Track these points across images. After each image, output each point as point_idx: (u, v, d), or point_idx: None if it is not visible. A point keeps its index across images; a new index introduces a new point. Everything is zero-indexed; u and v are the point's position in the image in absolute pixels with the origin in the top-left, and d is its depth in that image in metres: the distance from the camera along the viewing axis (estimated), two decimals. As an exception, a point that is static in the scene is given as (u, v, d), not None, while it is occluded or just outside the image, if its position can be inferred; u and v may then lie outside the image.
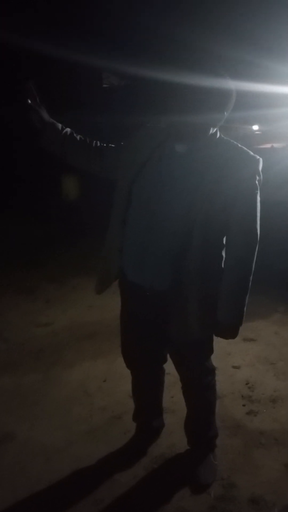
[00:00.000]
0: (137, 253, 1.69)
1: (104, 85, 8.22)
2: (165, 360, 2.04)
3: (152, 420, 2.21)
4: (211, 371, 1.97)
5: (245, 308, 1.69)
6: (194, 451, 2.08)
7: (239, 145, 1.61)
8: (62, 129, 1.81)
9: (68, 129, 1.82)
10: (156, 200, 1.61)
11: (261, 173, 1.58)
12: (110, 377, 2.74)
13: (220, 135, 1.63)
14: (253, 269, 1.65)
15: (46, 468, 2.06)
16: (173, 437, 2.22)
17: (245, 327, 1.82)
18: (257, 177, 1.58)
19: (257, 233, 1.62)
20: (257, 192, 1.59)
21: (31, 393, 2.60)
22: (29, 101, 1.73)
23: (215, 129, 1.61)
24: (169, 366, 2.02)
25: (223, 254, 1.68)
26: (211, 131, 1.59)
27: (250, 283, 1.67)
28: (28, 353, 3.04)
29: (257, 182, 1.58)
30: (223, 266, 1.68)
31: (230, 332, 1.74)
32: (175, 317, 1.72)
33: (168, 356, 2.00)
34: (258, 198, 1.59)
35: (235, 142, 1.63)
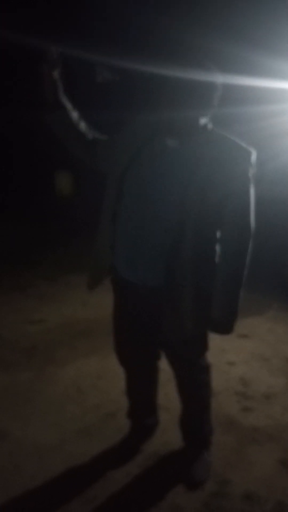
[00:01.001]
0: (129, 249, 1.68)
1: (98, 80, 8.18)
2: (158, 357, 2.03)
3: (146, 418, 2.20)
4: (206, 368, 1.96)
5: (239, 303, 1.68)
6: (188, 448, 2.08)
7: (232, 138, 1.60)
8: (74, 110, 1.77)
9: (77, 113, 1.79)
10: (148, 195, 1.60)
11: (254, 166, 1.57)
12: (103, 375, 2.73)
13: (213, 129, 1.62)
14: (247, 263, 1.64)
15: (39, 466, 2.05)
16: (167, 434, 2.21)
17: (239, 324, 1.81)
18: (251, 170, 1.57)
19: (251, 227, 1.61)
20: (250, 185, 1.58)
21: (24, 391, 2.58)
22: (49, 69, 1.67)
23: (205, 123, 1.59)
24: (163, 363, 2.01)
25: (217, 249, 1.66)
26: (201, 125, 1.57)
27: (244, 278, 1.66)
28: (21, 351, 3.02)
29: (250, 175, 1.57)
30: (216, 261, 1.67)
31: (225, 327, 1.72)
32: (169, 314, 1.70)
33: (162, 352, 1.99)
34: (252, 192, 1.59)
35: (228, 135, 1.61)
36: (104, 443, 2.17)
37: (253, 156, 1.57)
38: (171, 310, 1.69)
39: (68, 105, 1.76)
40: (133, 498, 1.91)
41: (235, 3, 4.31)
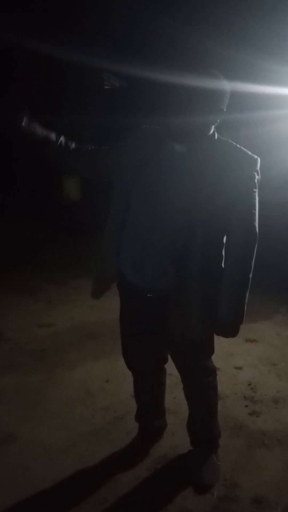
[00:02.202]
0: (138, 254, 1.70)
1: (106, 87, 8.23)
2: (166, 361, 2.05)
3: (155, 421, 2.22)
4: (212, 371, 1.97)
5: (245, 306, 1.70)
6: (197, 452, 2.08)
7: (238, 145, 1.64)
8: (57, 140, 1.75)
9: (63, 139, 1.77)
10: (157, 200, 1.63)
11: (259, 173, 1.61)
12: (112, 378, 2.74)
13: (218, 136, 1.66)
14: (252, 267, 1.67)
15: (49, 468, 2.06)
16: (175, 438, 2.22)
17: (247, 328, 1.83)
18: (256, 176, 1.61)
19: (256, 231, 1.64)
20: (256, 191, 1.61)
21: (33, 394, 2.60)
22: (16, 119, 1.64)
23: (212, 130, 1.63)
24: (171, 367, 2.03)
25: (223, 253, 1.69)
26: (208, 131, 1.61)
27: (250, 281, 1.68)
28: (31, 354, 3.05)
29: (256, 181, 1.61)
30: (223, 265, 1.70)
31: (231, 330, 1.74)
32: (176, 317, 1.72)
33: (169, 356, 2.00)
34: (257, 197, 1.62)
35: (233, 143, 1.65)
36: (112, 446, 2.18)
37: (258, 163, 1.61)
38: (178, 313, 1.71)
39: (50, 137, 1.74)
40: (142, 501, 1.91)
41: (239, 9, 4.33)
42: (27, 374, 2.79)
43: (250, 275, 1.67)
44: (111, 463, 2.09)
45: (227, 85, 1.57)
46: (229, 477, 2.01)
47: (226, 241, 1.68)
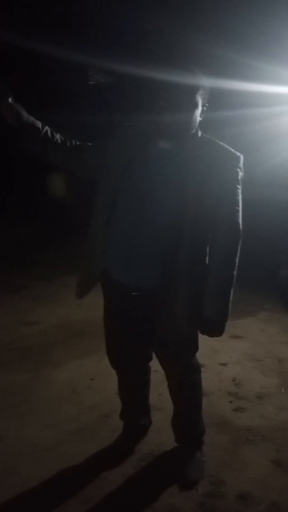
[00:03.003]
0: (125, 252, 1.70)
1: (90, 82, 8.18)
2: (150, 359, 2.05)
3: (140, 418, 2.22)
4: (197, 368, 1.99)
5: (230, 304, 1.71)
6: (182, 448, 2.09)
7: (221, 143, 1.67)
8: (43, 128, 1.75)
9: (48, 128, 1.77)
10: (145, 198, 1.63)
11: (243, 169, 1.65)
12: (98, 376, 2.74)
13: (201, 134, 1.68)
14: (237, 264, 1.68)
15: (35, 467, 2.06)
16: (161, 435, 2.23)
17: (232, 325, 1.84)
18: (240, 173, 1.64)
19: (240, 228, 1.66)
20: (239, 188, 1.64)
21: (19, 393, 2.59)
22: (2, 99, 1.64)
23: (196, 127, 1.64)
24: (156, 364, 2.03)
25: (207, 250, 1.71)
26: (192, 128, 1.63)
27: (235, 278, 1.69)
28: (16, 352, 3.03)
29: (239, 178, 1.64)
30: (207, 262, 1.71)
31: (217, 328, 1.75)
32: (163, 314, 1.73)
33: (153, 354, 2.01)
34: (240, 194, 1.65)
35: (217, 140, 1.68)
36: (99, 444, 2.19)
37: (242, 160, 1.64)
38: (165, 311, 1.71)
39: (36, 123, 1.74)
40: (128, 499, 1.92)
41: (228, 8, 4.35)
42: (13, 373, 2.78)
43: (235, 272, 1.69)
44: (97, 461, 2.10)
45: (208, 83, 1.60)
46: (214, 473, 2.03)
47: (211, 238, 1.69)
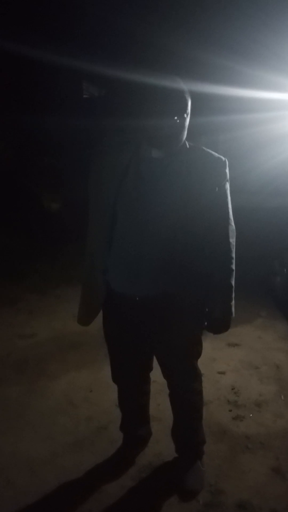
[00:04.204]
0: (132, 266, 1.70)
1: (84, 96, 8.25)
2: (151, 369, 2.05)
3: (140, 429, 2.20)
4: (199, 375, 1.99)
5: (233, 297, 1.78)
6: (181, 459, 2.08)
7: (207, 150, 1.73)
8: None
9: None
10: (146, 210, 1.64)
11: (228, 173, 1.72)
12: (95, 387, 2.72)
13: (188, 143, 1.71)
14: (234, 258, 1.75)
15: (32, 481, 2.03)
16: (160, 445, 2.21)
17: (229, 333, 1.85)
18: (227, 177, 1.71)
19: (233, 225, 1.74)
20: (228, 189, 1.72)
21: (15, 406, 2.57)
22: None
23: (183, 134, 1.66)
24: (155, 374, 2.03)
25: (204, 253, 1.74)
26: (183, 137, 1.65)
27: (234, 272, 1.76)
28: (12, 365, 3.01)
29: (228, 180, 1.71)
30: (204, 267, 1.75)
31: (225, 325, 1.80)
32: (169, 320, 1.75)
33: (153, 363, 2.00)
34: (229, 196, 1.73)
35: (202, 147, 1.73)
36: (96, 456, 2.16)
37: (227, 164, 1.71)
38: (173, 316, 1.75)
39: None
40: (127, 511, 1.90)
41: (219, 14, 4.41)
42: (9, 386, 2.75)
43: (233, 267, 1.75)
44: (96, 474, 2.07)
45: (184, 86, 1.64)
46: (213, 483, 2.01)
47: (207, 240, 1.72)
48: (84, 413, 2.50)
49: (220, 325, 1.81)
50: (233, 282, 1.76)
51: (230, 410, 2.52)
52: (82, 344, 3.21)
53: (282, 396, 2.65)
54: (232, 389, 2.72)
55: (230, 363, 3.01)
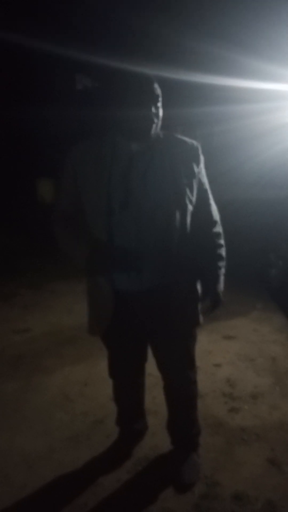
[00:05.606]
0: (132, 262, 1.67)
1: (78, 88, 8.21)
2: (146, 359, 2.03)
3: (135, 423, 2.21)
4: (193, 365, 1.98)
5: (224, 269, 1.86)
6: (177, 451, 2.08)
7: (180, 136, 1.75)
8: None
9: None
10: (140, 203, 1.62)
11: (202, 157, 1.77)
12: (91, 381, 2.72)
13: (162, 132, 1.70)
14: (222, 233, 1.86)
15: (29, 476, 2.04)
16: (155, 438, 2.22)
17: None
18: (203, 160, 1.76)
19: (214, 203, 1.83)
20: (204, 170, 1.78)
21: (11, 401, 2.57)
22: None
23: (158, 124, 1.64)
24: (150, 367, 2.02)
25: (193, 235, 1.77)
26: (154, 125, 1.62)
27: (225, 252, 1.86)
28: (7, 360, 3.01)
29: (203, 164, 1.76)
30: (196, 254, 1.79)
31: (220, 299, 1.85)
32: (175, 308, 1.76)
33: (147, 356, 2.00)
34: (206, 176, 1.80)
35: (174, 134, 1.75)
36: (93, 450, 2.17)
37: (200, 147, 1.75)
38: (177, 304, 1.76)
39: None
40: (123, 504, 1.90)
41: (217, 4, 4.37)
42: (4, 382, 2.75)
43: (222, 237, 1.86)
44: (92, 467, 2.08)
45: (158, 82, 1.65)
46: (209, 475, 2.02)
47: (194, 221, 1.74)
48: (80, 408, 2.50)
49: (220, 299, 1.85)
50: (223, 253, 1.84)
51: (226, 403, 2.52)
52: (77, 339, 3.21)
53: (278, 388, 2.66)
54: (228, 381, 2.73)
55: (225, 355, 3.01)
